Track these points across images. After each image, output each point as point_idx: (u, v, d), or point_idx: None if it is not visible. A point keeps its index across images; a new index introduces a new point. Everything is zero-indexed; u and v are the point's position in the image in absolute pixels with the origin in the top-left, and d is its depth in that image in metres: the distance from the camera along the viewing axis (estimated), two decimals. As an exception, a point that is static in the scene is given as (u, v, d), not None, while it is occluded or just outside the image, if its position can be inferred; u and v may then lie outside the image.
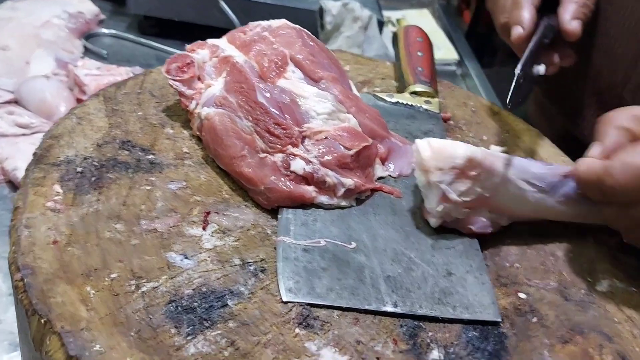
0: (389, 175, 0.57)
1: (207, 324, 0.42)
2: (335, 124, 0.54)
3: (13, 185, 0.82)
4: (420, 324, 0.46)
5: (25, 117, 0.91)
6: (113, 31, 1.19)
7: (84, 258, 0.44)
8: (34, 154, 0.52)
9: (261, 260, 0.48)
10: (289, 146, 0.52)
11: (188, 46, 0.61)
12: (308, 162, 0.52)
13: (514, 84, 0.52)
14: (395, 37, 0.76)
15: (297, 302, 0.45)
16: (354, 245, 0.50)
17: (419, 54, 0.71)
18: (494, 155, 0.51)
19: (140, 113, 0.60)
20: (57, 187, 0.49)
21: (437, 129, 0.64)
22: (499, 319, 0.47)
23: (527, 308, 0.49)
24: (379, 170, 0.57)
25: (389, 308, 0.46)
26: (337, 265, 0.48)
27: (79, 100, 0.93)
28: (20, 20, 1.09)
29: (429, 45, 0.73)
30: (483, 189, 0.51)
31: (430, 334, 0.45)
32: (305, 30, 0.61)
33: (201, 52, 0.59)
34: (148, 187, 0.51)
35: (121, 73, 0.99)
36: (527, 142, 0.69)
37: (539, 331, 0.47)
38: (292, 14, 0.87)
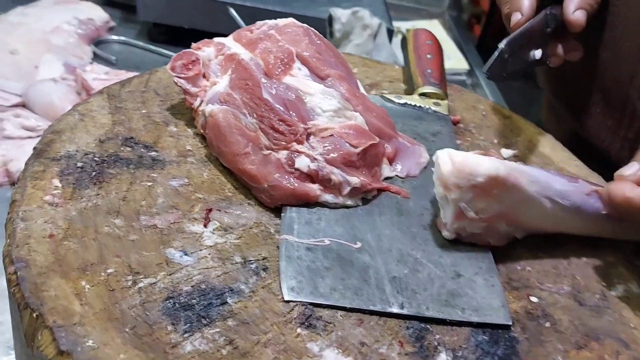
0: (397, 176, 0.56)
1: (205, 322, 0.40)
2: (341, 121, 0.53)
3: (17, 187, 0.81)
4: (427, 326, 0.44)
5: (31, 120, 0.91)
6: (122, 38, 1.19)
7: (81, 252, 0.43)
8: (34, 148, 0.51)
9: (263, 259, 0.46)
10: (294, 143, 0.51)
11: (194, 44, 0.60)
12: (313, 159, 0.50)
13: (496, 54, 0.53)
14: (404, 41, 0.75)
15: (300, 302, 0.43)
16: (359, 245, 0.48)
17: (429, 56, 0.70)
18: (518, 170, 0.48)
19: (144, 111, 0.59)
20: (56, 182, 0.48)
21: (446, 130, 0.63)
22: (510, 323, 0.45)
23: (540, 312, 0.47)
24: (386, 170, 0.55)
25: (395, 309, 0.44)
26: (341, 265, 0.46)
27: (85, 104, 0.93)
28: (30, 25, 1.09)
29: (438, 48, 0.72)
30: (503, 206, 0.48)
31: (437, 336, 0.43)
32: (312, 29, 0.60)
33: (207, 49, 0.59)
34: (149, 183, 0.50)
35: (129, 78, 0.98)
36: (539, 146, 0.67)
37: (553, 336, 0.45)
38: (301, 21, 0.86)
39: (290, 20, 0.60)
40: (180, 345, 0.38)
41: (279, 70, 0.54)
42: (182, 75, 0.57)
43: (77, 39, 1.12)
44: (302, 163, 0.50)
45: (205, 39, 0.60)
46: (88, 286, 0.40)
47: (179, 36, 1.19)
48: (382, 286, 0.45)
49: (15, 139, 0.89)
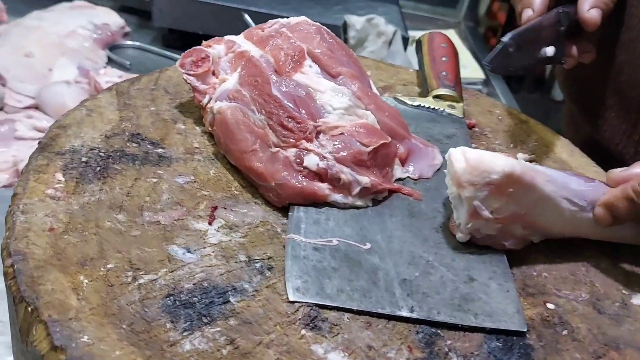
0: (409, 177, 0.54)
1: (205, 320, 0.39)
2: (352, 119, 0.51)
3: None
4: (438, 331, 0.42)
5: (43, 122, 0.91)
6: (137, 43, 1.20)
7: (81, 246, 0.42)
8: (39, 142, 0.51)
9: (268, 258, 0.45)
10: (303, 141, 0.49)
11: (205, 42, 0.59)
12: (322, 157, 0.49)
13: (499, 47, 0.52)
14: (418, 44, 0.74)
15: (305, 303, 0.41)
16: (368, 246, 0.46)
17: (444, 59, 0.68)
18: (533, 168, 0.47)
19: (152, 108, 0.58)
20: (60, 175, 0.47)
21: (461, 133, 0.61)
22: (525, 329, 0.43)
23: (557, 320, 0.45)
24: (398, 172, 0.53)
25: (405, 313, 0.42)
26: (349, 266, 0.44)
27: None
28: (46, 29, 1.09)
29: (454, 51, 0.71)
30: (518, 206, 0.46)
31: (448, 342, 0.41)
32: (325, 27, 0.59)
33: (217, 47, 0.58)
34: (154, 180, 0.49)
35: (142, 81, 0.98)
36: (556, 151, 0.65)
37: (570, 345, 0.43)
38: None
39: (303, 18, 0.59)
40: (179, 343, 0.37)
41: (290, 67, 0.53)
42: (191, 72, 0.56)
43: (92, 43, 1.12)
44: (311, 161, 0.49)
45: (216, 37, 0.59)
46: (86, 281, 0.39)
47: (194, 42, 1.18)
48: (391, 289, 0.43)
49: (27, 139, 0.88)
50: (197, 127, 0.57)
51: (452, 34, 1.45)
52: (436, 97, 0.65)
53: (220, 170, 0.52)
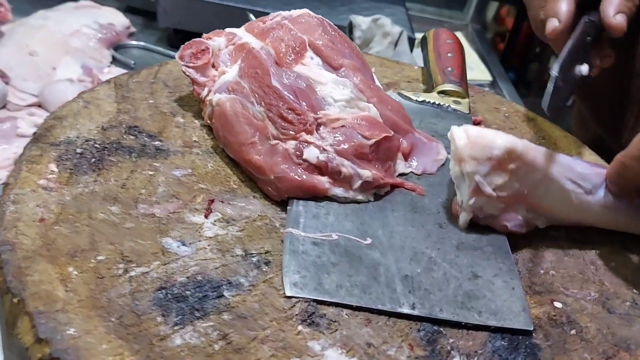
0: (412, 172, 0.53)
1: (198, 315, 0.37)
2: (353, 112, 0.50)
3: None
4: (441, 329, 0.40)
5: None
6: (142, 43, 1.19)
7: (72, 237, 0.40)
8: (34, 133, 0.50)
9: (266, 252, 0.43)
10: (303, 133, 0.48)
11: (205, 34, 0.58)
12: (322, 150, 0.48)
13: (551, 85, 0.47)
14: (424, 40, 0.73)
15: (302, 298, 0.40)
16: (369, 241, 0.45)
17: (449, 54, 0.67)
18: (536, 149, 0.46)
19: (151, 101, 0.57)
20: (53, 166, 0.46)
21: (466, 129, 0.60)
22: (531, 328, 0.41)
23: (564, 319, 0.43)
24: (401, 166, 0.52)
25: (406, 310, 0.40)
26: (349, 261, 0.43)
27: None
28: (51, 28, 1.09)
29: (459, 47, 0.69)
30: (521, 185, 0.46)
31: (451, 340, 0.40)
32: (327, 20, 0.57)
33: (217, 39, 0.57)
34: (151, 172, 0.48)
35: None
36: (564, 149, 0.63)
37: (579, 345, 0.41)
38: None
39: (305, 10, 0.58)
40: (169, 337, 0.36)
41: (290, 58, 0.52)
42: (191, 65, 0.55)
43: (97, 43, 1.12)
44: (311, 154, 0.47)
45: (217, 29, 0.58)
46: (76, 272, 0.38)
47: (198, 42, 1.18)
48: (392, 285, 0.42)
49: (28, 137, 0.87)
50: (196, 121, 0.55)
51: (459, 35, 1.44)
52: (441, 92, 0.63)
53: (218, 163, 0.51)
